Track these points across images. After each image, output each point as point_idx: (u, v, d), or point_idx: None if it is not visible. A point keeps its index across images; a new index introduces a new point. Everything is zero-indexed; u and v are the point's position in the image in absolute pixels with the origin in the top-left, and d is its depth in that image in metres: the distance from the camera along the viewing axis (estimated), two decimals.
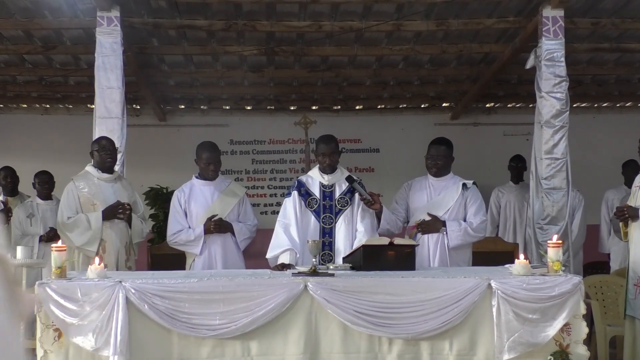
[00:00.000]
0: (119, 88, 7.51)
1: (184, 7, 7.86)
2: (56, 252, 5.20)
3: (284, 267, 5.85)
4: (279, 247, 6.15)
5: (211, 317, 5.12)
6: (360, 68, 9.96)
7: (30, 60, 9.55)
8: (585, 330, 5.26)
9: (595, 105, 11.76)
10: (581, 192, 8.81)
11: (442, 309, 5.18)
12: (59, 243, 5.35)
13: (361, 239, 6.15)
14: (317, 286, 5.17)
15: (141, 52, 8.95)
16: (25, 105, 11.33)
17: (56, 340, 5.06)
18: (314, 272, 5.33)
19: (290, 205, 6.38)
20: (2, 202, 8.19)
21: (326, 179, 6.46)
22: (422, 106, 11.75)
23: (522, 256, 5.52)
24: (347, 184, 6.41)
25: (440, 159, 6.78)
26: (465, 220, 6.67)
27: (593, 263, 9.47)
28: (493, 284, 5.23)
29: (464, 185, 6.76)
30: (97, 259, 5.46)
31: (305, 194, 6.43)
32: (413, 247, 5.84)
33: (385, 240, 5.77)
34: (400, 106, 11.74)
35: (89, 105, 10.43)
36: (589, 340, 6.16)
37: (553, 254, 5.36)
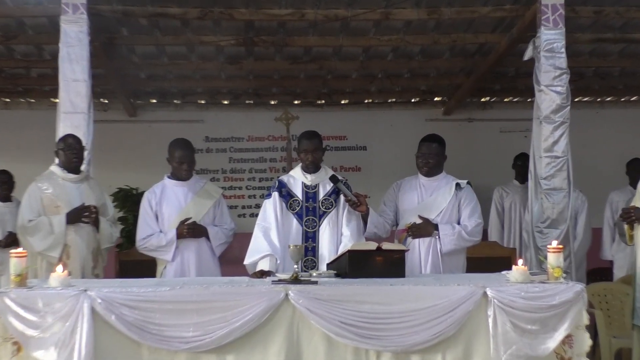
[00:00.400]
0: (85, 81, 7.47)
1: None
2: (15, 259, 5.15)
3: (263, 274, 5.82)
4: (257, 252, 6.11)
5: (184, 328, 5.08)
6: (346, 60, 9.95)
7: None
8: (588, 342, 5.25)
9: (598, 99, 11.82)
10: (584, 193, 8.81)
11: (434, 320, 5.16)
12: (19, 249, 5.29)
13: (347, 244, 6.13)
14: (299, 295, 5.14)
15: (110, 42, 8.90)
16: None
17: (15, 355, 5.01)
18: (295, 280, 5.29)
19: (271, 207, 6.35)
20: None
21: (309, 179, 6.44)
22: (413, 101, 11.77)
23: (520, 262, 5.50)
24: (332, 184, 6.38)
25: (432, 157, 6.77)
26: (459, 223, 6.66)
27: (596, 269, 9.46)
28: (489, 292, 5.21)
29: (458, 185, 6.75)
30: (59, 266, 5.40)
31: (286, 195, 6.40)
32: (403, 252, 5.81)
33: (372, 245, 5.74)
34: (389, 101, 11.76)
35: (52, 99, 10.36)
36: (593, 353, 6.17)
37: (553, 259, 5.35)
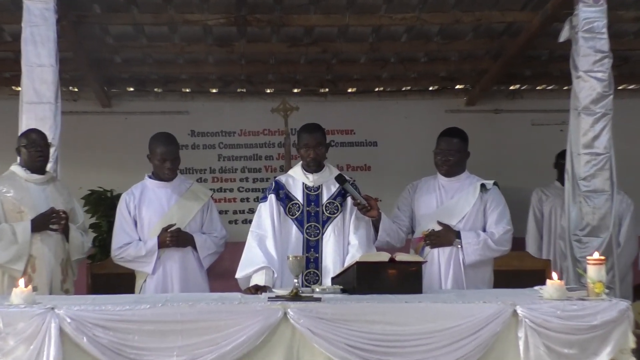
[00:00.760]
0: (51, 66, 7.47)
1: None
2: None
3: (258, 289, 5.85)
4: (251, 264, 6.12)
5: (167, 352, 5.10)
6: (354, 41, 9.95)
7: None
8: None
9: None
10: (629, 196, 8.81)
11: (456, 342, 5.18)
12: None
13: (355, 255, 6.15)
14: (300, 313, 5.15)
15: (80, 21, 8.88)
16: None
17: None
18: (295, 296, 5.31)
19: (266, 212, 6.37)
20: None
21: (311, 179, 6.45)
22: (431, 89, 11.77)
23: (555, 276, 5.51)
24: (337, 185, 6.39)
25: (452, 154, 6.79)
26: (484, 231, 6.67)
27: None
28: (520, 310, 5.22)
29: (483, 186, 6.77)
30: (22, 280, 5.40)
31: (284, 198, 6.42)
32: (420, 264, 5.83)
33: (384, 256, 5.76)
34: (403, 89, 11.76)
35: (14, 88, 10.38)
36: None
37: (594, 273, 5.35)
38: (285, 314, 5.15)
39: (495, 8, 8.94)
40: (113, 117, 11.53)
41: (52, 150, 7.12)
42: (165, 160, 6.88)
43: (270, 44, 9.97)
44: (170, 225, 6.80)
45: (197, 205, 7.03)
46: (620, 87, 10.91)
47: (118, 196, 7.18)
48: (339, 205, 6.41)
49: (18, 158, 6.91)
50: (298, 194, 6.43)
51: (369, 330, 5.16)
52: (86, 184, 10.44)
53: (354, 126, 11.68)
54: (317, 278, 6.28)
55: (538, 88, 11.80)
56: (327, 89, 11.63)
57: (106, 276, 7.68)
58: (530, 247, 9.59)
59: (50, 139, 7.04)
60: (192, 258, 6.91)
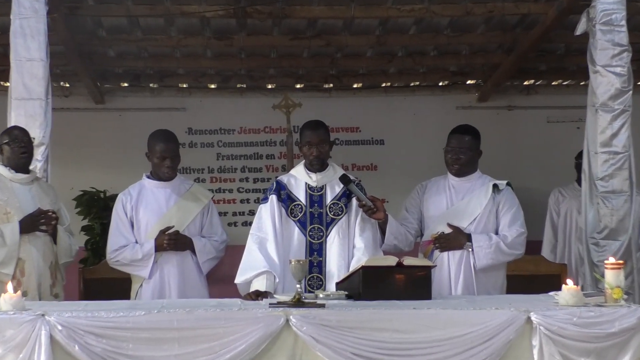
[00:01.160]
0: (42, 60, 7.47)
1: None
2: None
3: (258, 295, 5.85)
4: (252, 269, 6.14)
5: None
6: (359, 34, 9.95)
7: None
8: None
9: None
10: None
11: (467, 351, 5.18)
12: None
13: (360, 258, 6.16)
14: (303, 320, 5.15)
15: (72, 13, 8.89)
16: None
17: None
18: (298, 302, 5.31)
19: (267, 213, 6.38)
20: None
21: (314, 179, 6.46)
22: (440, 84, 11.77)
23: (571, 281, 5.51)
24: (342, 185, 6.39)
25: (463, 153, 6.79)
26: (497, 233, 6.67)
27: None
28: (534, 317, 5.22)
29: (495, 186, 6.77)
30: (10, 285, 5.40)
31: (286, 198, 6.43)
32: (429, 269, 5.83)
33: (391, 261, 5.77)
34: (412, 84, 11.76)
35: (2, 83, 10.39)
36: None
37: (612, 278, 5.35)
38: (287, 321, 5.15)
39: None
40: (106, 114, 11.52)
41: (42, 148, 7.14)
42: (165, 158, 6.88)
43: (271, 37, 9.96)
44: (169, 228, 6.80)
45: (197, 207, 7.03)
46: None
47: (111, 197, 7.20)
48: (343, 206, 6.41)
49: (0, 157, 6.89)
50: (300, 195, 6.43)
51: (376, 338, 5.16)
52: (78, 185, 10.46)
53: (359, 123, 11.68)
54: (320, 283, 6.29)
55: (554, 83, 11.79)
56: (331, 85, 11.63)
57: (99, 281, 7.69)
58: (545, 251, 9.59)
59: (40, 137, 7.05)
60: (190, 262, 6.91)
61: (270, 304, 5.39)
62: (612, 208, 7.60)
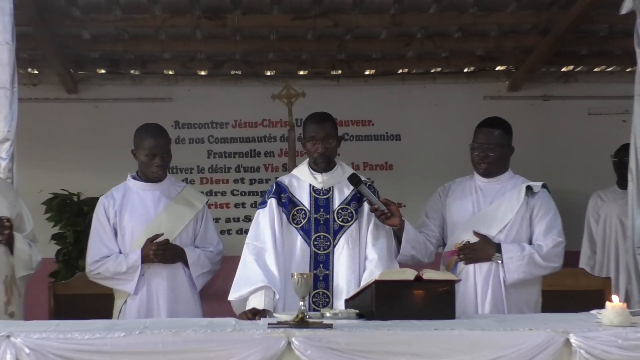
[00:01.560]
0: (7, 43, 7.47)
1: None
2: None
3: (256, 314, 5.86)
4: (248, 284, 6.13)
5: None
6: (372, 13, 9.97)
7: None
8: None
9: None
10: None
11: None
12: None
13: (373, 272, 6.16)
14: (307, 343, 5.14)
15: None
16: None
17: None
18: (301, 322, 5.31)
19: (266, 220, 6.38)
20: None
21: (319, 180, 6.47)
22: (465, 71, 11.81)
23: (616, 297, 5.51)
24: (351, 187, 6.40)
25: (492, 150, 6.79)
26: (530, 243, 6.67)
27: None
28: (573, 339, 5.21)
29: (529, 189, 6.77)
30: None
31: (288, 202, 6.44)
32: (452, 283, 5.83)
33: (409, 274, 5.76)
34: (432, 71, 11.80)
35: None
36: None
37: None
38: (289, 343, 5.13)
39: None
40: (80, 105, 11.55)
41: (7, 145, 7.14)
42: (155, 155, 6.90)
43: (270, 16, 9.99)
44: (157, 236, 6.81)
45: (190, 213, 7.04)
46: None
47: (85, 201, 7.22)
48: (353, 211, 6.41)
49: None
50: (304, 198, 6.44)
51: None
52: (48, 186, 10.48)
53: (372, 116, 11.71)
54: (327, 300, 6.29)
55: (596, 70, 11.80)
56: (339, 71, 11.66)
57: (72, 297, 7.70)
58: (583, 261, 9.60)
59: (5, 131, 7.05)
60: (182, 276, 6.93)
61: (269, 324, 5.38)
62: None
